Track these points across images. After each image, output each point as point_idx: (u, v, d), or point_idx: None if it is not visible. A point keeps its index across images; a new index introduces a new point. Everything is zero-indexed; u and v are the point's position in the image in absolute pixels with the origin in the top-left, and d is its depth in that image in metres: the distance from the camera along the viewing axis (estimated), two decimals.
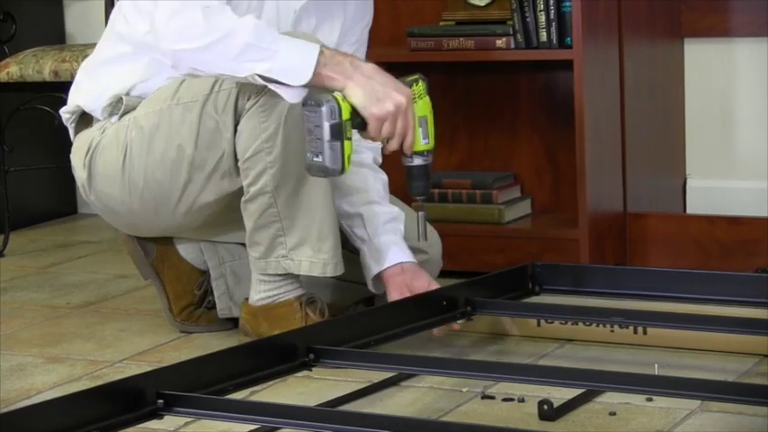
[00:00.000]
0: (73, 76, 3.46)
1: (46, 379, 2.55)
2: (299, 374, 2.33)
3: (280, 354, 2.21)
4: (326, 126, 2.27)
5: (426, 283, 2.60)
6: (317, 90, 2.33)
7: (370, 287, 2.64)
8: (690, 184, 3.36)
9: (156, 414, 2.01)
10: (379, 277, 2.63)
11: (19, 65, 3.51)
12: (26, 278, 3.39)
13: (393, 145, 2.36)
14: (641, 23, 3.19)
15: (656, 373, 2.33)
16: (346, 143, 2.29)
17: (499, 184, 3.24)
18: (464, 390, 2.36)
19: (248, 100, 2.48)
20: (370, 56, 3.35)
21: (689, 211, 3.34)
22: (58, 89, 3.60)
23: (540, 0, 3.05)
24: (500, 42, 3.10)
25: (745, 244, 3.03)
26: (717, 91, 3.31)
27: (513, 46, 3.10)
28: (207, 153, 2.54)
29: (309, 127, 2.28)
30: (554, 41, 3.06)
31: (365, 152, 2.69)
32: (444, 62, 3.29)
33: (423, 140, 2.38)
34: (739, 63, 3.29)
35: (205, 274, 2.77)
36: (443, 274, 3.08)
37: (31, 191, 3.99)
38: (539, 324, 2.64)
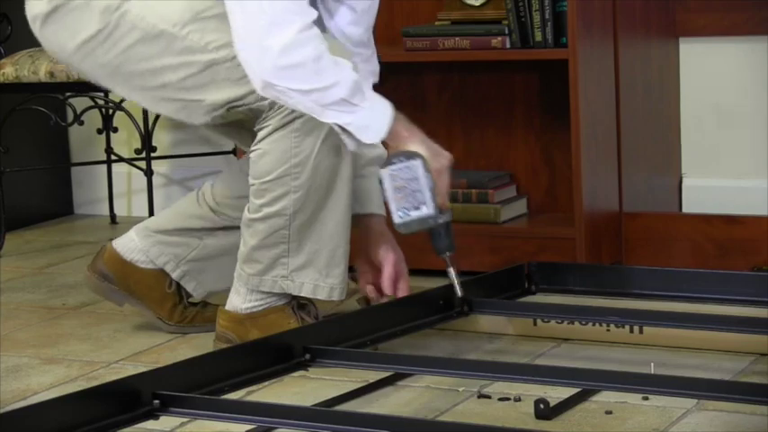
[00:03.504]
0: (69, 78, 3.47)
1: (42, 380, 2.55)
2: (295, 374, 2.32)
3: (276, 354, 2.21)
4: (427, 176, 2.39)
5: (384, 251, 2.63)
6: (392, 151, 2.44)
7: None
8: (685, 183, 3.36)
9: (152, 414, 2.01)
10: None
11: (14, 66, 3.50)
12: (22, 279, 3.38)
13: (443, 199, 2.45)
14: (636, 23, 3.19)
15: (653, 372, 2.33)
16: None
17: (495, 184, 3.24)
18: (460, 389, 2.36)
19: (277, 116, 2.47)
20: None
21: (685, 210, 3.34)
22: (54, 90, 3.60)
23: (536, 0, 3.05)
24: (495, 42, 3.10)
25: (741, 243, 3.03)
26: (712, 90, 3.31)
27: (508, 46, 3.10)
28: (187, 93, 2.51)
29: (401, 184, 2.38)
30: (549, 41, 3.06)
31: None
32: (440, 62, 3.29)
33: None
34: (734, 62, 3.29)
35: (167, 274, 2.75)
36: (440, 273, 3.08)
37: (27, 192, 3.99)
38: (535, 323, 2.64)
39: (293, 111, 2.44)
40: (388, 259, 2.62)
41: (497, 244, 3.13)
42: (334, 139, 2.45)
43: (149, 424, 2.05)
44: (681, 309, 2.53)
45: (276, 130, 2.48)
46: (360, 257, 2.65)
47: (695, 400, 2.20)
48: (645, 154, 3.24)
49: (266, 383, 2.29)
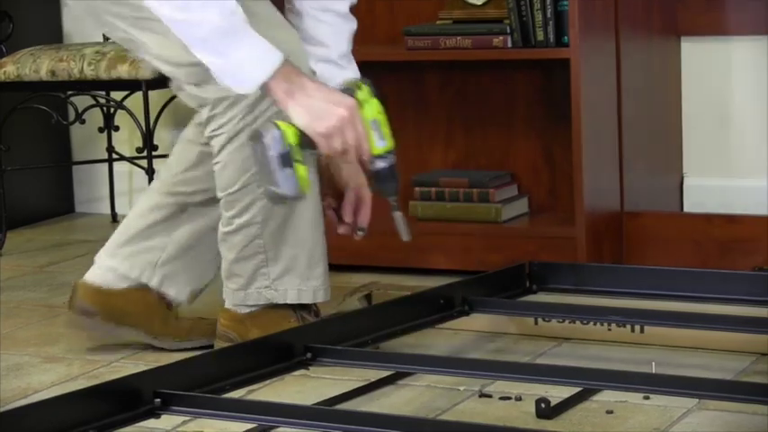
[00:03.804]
0: (70, 76, 3.47)
1: (43, 378, 2.55)
2: (296, 373, 2.32)
3: (277, 352, 2.21)
4: (274, 156, 2.24)
5: (347, 177, 2.54)
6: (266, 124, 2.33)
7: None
8: (687, 182, 3.36)
9: (153, 413, 2.01)
10: None
11: (16, 64, 3.50)
12: (23, 277, 3.38)
13: (351, 157, 2.32)
14: (638, 22, 3.19)
15: (654, 372, 2.32)
16: (299, 166, 2.25)
17: (496, 183, 3.24)
18: (461, 388, 2.36)
19: (228, 124, 2.44)
20: (368, 55, 3.36)
21: (686, 209, 3.34)
22: (55, 88, 3.60)
23: None
24: (497, 41, 3.10)
25: (742, 242, 3.03)
26: (713, 89, 3.31)
27: (510, 45, 3.10)
28: (135, 31, 2.48)
29: (260, 159, 2.26)
30: (551, 40, 3.06)
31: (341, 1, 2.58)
32: (441, 61, 3.29)
33: (379, 143, 2.33)
34: (736, 61, 3.29)
35: (146, 285, 2.66)
36: (441, 272, 3.09)
37: (28, 190, 3.99)
38: (536, 323, 2.64)
39: (245, 116, 2.43)
40: (350, 185, 2.55)
41: (498, 243, 3.13)
42: None
43: (150, 422, 2.05)
44: (682, 308, 2.53)
45: (231, 139, 2.46)
46: (323, 181, 2.57)
47: (696, 400, 2.20)
48: (646, 153, 3.24)
49: (267, 382, 2.28)
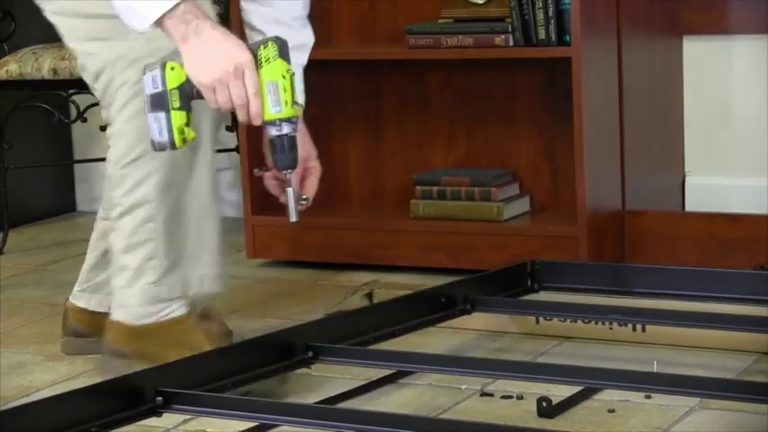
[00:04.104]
0: (72, 75, 3.47)
1: (45, 377, 2.55)
2: (297, 372, 2.32)
3: (278, 351, 2.21)
4: (147, 96, 2.10)
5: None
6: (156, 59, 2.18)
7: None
8: (689, 181, 3.35)
9: (154, 411, 2.01)
10: None
11: (18, 63, 3.50)
12: (25, 276, 3.38)
13: (239, 116, 2.13)
14: (640, 21, 3.19)
15: (655, 371, 2.32)
16: (174, 113, 2.10)
17: (498, 182, 3.23)
18: (463, 387, 2.36)
19: (122, 89, 2.29)
20: (370, 54, 3.36)
21: (688, 208, 3.33)
22: (57, 87, 3.60)
23: None
24: (499, 40, 3.10)
25: (743, 241, 3.03)
26: (715, 88, 3.31)
27: (511, 43, 3.10)
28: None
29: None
30: (553, 39, 3.06)
31: (297, 4, 2.46)
32: (443, 60, 3.29)
33: (273, 108, 2.13)
34: (738, 60, 3.29)
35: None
36: (442, 271, 3.09)
37: (30, 188, 3.99)
38: (537, 321, 2.64)
39: (138, 80, 2.21)
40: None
41: (500, 242, 3.13)
42: (195, 109, 2.20)
43: (152, 421, 2.05)
44: (683, 307, 2.53)
45: (127, 103, 2.30)
46: (268, 149, 2.34)
47: (698, 399, 2.20)
48: (648, 152, 3.24)
49: (269, 380, 2.28)
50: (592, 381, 2.16)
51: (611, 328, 2.57)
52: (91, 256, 2.62)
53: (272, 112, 2.13)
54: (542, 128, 3.31)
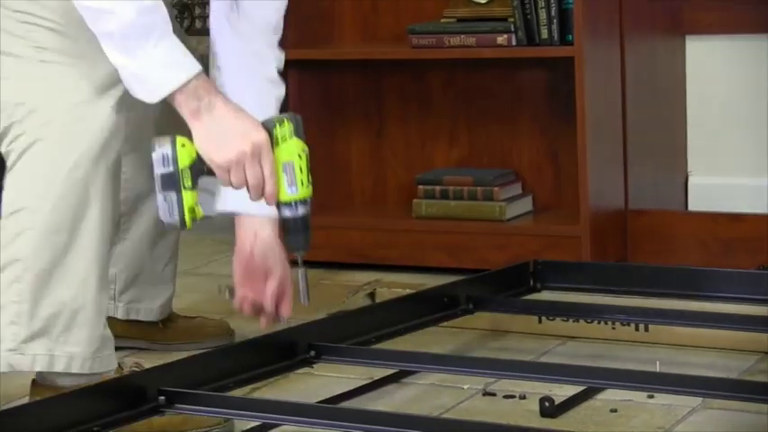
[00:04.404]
0: None
1: None
2: (300, 371, 2.32)
3: (281, 350, 2.21)
4: (157, 175, 2.03)
5: (271, 264, 2.29)
6: (165, 135, 2.10)
7: (211, 211, 2.26)
8: (691, 180, 3.35)
9: (157, 411, 2.00)
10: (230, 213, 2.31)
11: None
12: None
13: (252, 196, 2.07)
14: (642, 20, 3.19)
15: (658, 371, 2.32)
16: (186, 193, 2.03)
17: (500, 181, 3.23)
18: (465, 387, 2.35)
19: (20, 138, 2.11)
20: (372, 53, 3.36)
21: (690, 208, 3.33)
22: None
23: None
24: (501, 39, 3.10)
25: (746, 241, 3.03)
26: (718, 88, 3.31)
27: (514, 43, 3.09)
28: None
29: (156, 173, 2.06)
30: (555, 38, 3.06)
31: (271, 63, 2.32)
32: (445, 59, 3.28)
33: (288, 189, 2.08)
34: (741, 60, 3.28)
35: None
36: (445, 271, 3.08)
37: None
38: (540, 321, 2.64)
39: (39, 127, 2.11)
40: (274, 275, 2.29)
41: (502, 241, 3.13)
42: (87, 170, 2.11)
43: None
44: (686, 307, 2.52)
45: (23, 153, 2.13)
46: (240, 267, 2.30)
47: (701, 399, 2.20)
48: (651, 151, 3.23)
49: (271, 380, 2.28)
50: (594, 380, 2.16)
51: (613, 328, 2.57)
52: None
53: (287, 193, 2.08)
54: (545, 127, 3.31)
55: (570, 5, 3.01)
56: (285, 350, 2.21)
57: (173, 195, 2.03)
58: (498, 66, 3.29)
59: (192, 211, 2.05)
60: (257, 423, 2.06)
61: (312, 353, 2.25)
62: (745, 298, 2.54)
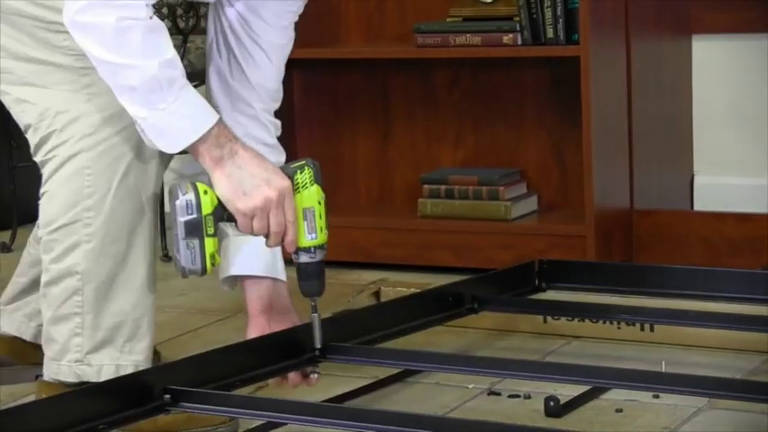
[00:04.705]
0: None
1: None
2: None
3: (286, 350, 2.20)
4: (181, 222, 2.01)
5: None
6: (185, 179, 2.09)
7: (223, 285, 2.29)
8: (697, 180, 3.35)
9: (162, 409, 2.00)
10: (236, 280, 2.27)
11: None
12: None
13: (271, 242, 2.06)
14: (648, 20, 3.18)
15: (663, 371, 2.32)
16: (207, 240, 2.02)
17: (506, 181, 3.23)
18: (470, 386, 2.35)
19: (63, 145, 2.13)
20: (378, 53, 3.36)
21: (696, 207, 3.33)
22: None
23: None
24: (507, 39, 3.10)
25: (752, 241, 3.02)
26: (724, 88, 3.30)
27: (519, 42, 3.09)
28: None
29: (172, 220, 2.03)
30: (561, 38, 3.05)
31: (265, 129, 2.28)
32: (451, 58, 3.28)
33: (308, 236, 2.08)
34: (747, 60, 3.28)
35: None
36: (450, 270, 3.08)
37: (39, 186, 3.98)
38: (545, 321, 2.63)
39: (82, 138, 2.12)
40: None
41: (508, 241, 3.12)
42: (137, 176, 2.14)
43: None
44: (692, 307, 2.52)
45: (65, 162, 2.14)
46: (255, 333, 2.25)
47: (706, 399, 2.20)
48: (656, 151, 3.23)
49: (276, 379, 2.28)
50: (600, 380, 2.15)
51: (619, 328, 2.56)
52: (20, 281, 2.46)
53: (307, 239, 2.08)
54: (550, 127, 3.31)
55: (576, 5, 3.01)
56: (291, 349, 2.21)
57: (196, 242, 2.02)
58: (504, 65, 3.29)
59: (213, 257, 2.04)
60: (262, 422, 2.06)
61: (317, 352, 2.24)
62: (750, 298, 2.54)
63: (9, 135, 3.65)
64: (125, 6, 1.98)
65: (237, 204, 2.02)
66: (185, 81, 2.03)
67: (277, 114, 2.33)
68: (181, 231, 2.01)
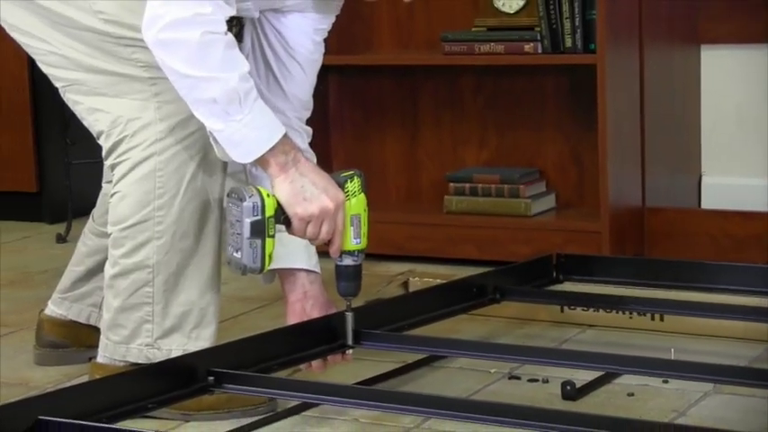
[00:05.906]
0: None
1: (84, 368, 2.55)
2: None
3: (321, 336, 2.21)
4: (247, 223, 2.01)
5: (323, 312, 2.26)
6: (244, 183, 2.13)
7: (263, 279, 2.28)
8: (705, 180, 3.34)
9: (206, 390, 2.01)
10: (274, 274, 2.28)
11: None
12: None
13: (317, 244, 2.10)
14: (661, 31, 3.18)
15: (672, 358, 2.32)
16: (268, 240, 2.03)
17: (526, 180, 3.23)
18: (492, 371, 2.35)
19: (136, 149, 2.14)
20: (407, 59, 3.37)
21: (704, 206, 3.32)
22: None
23: (566, 8, 3.05)
24: (528, 47, 3.10)
25: (756, 238, 3.01)
26: (730, 94, 3.29)
27: (540, 51, 3.09)
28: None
29: (231, 220, 2.03)
30: (579, 47, 3.05)
31: (299, 135, 2.27)
32: (476, 65, 3.28)
33: (354, 240, 2.10)
34: (752, 68, 3.27)
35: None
36: (473, 263, 3.09)
37: (93, 181, 3.99)
38: (562, 310, 2.63)
39: (153, 143, 2.14)
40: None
41: (528, 236, 3.12)
42: (204, 178, 2.16)
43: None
44: (699, 298, 2.52)
45: (135, 167, 2.15)
46: (293, 320, 2.27)
47: (712, 384, 2.19)
48: (667, 153, 3.22)
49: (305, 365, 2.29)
50: (613, 366, 2.15)
51: (630, 317, 2.56)
52: (77, 269, 2.46)
53: (353, 244, 2.11)
54: (568, 130, 3.31)
55: (593, 16, 3.01)
56: (326, 335, 2.22)
57: (258, 242, 2.03)
58: (525, 72, 3.29)
59: (270, 257, 2.05)
60: (298, 402, 2.07)
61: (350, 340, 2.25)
62: (754, 290, 2.53)
63: (65, 135, 3.67)
64: (208, 22, 1.98)
65: (297, 209, 2.03)
66: (257, 93, 2.04)
67: (312, 117, 2.34)
68: (246, 231, 2.01)
